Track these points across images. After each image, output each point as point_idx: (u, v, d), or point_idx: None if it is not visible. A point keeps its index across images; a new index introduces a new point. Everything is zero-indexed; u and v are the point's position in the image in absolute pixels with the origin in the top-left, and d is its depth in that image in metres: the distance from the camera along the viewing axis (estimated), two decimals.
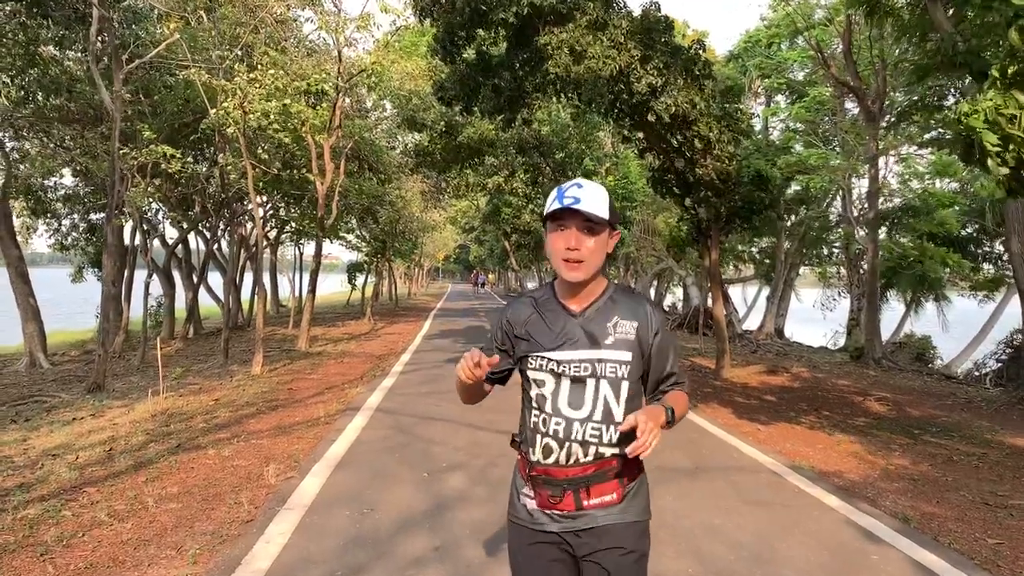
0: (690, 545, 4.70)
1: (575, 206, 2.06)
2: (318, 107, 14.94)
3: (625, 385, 2.16)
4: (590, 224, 2.10)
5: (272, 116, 12.46)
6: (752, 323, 29.11)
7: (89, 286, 24.78)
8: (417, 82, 17.24)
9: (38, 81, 15.34)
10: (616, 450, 2.16)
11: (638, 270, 37.87)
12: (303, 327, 17.55)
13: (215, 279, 27.08)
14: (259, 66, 12.61)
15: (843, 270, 25.31)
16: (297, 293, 30.83)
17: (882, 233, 20.66)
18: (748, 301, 34.33)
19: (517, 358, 2.26)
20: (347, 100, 18.68)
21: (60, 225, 22.84)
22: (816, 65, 21.00)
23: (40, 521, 4.88)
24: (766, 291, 26.83)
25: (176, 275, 24.32)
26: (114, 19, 12.55)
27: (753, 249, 27.43)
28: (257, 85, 12.05)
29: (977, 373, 16.23)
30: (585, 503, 2.17)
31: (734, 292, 29.65)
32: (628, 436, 2.04)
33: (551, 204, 2.11)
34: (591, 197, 2.09)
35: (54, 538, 4.58)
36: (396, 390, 10.89)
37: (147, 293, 19.35)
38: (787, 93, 24.24)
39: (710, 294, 16.06)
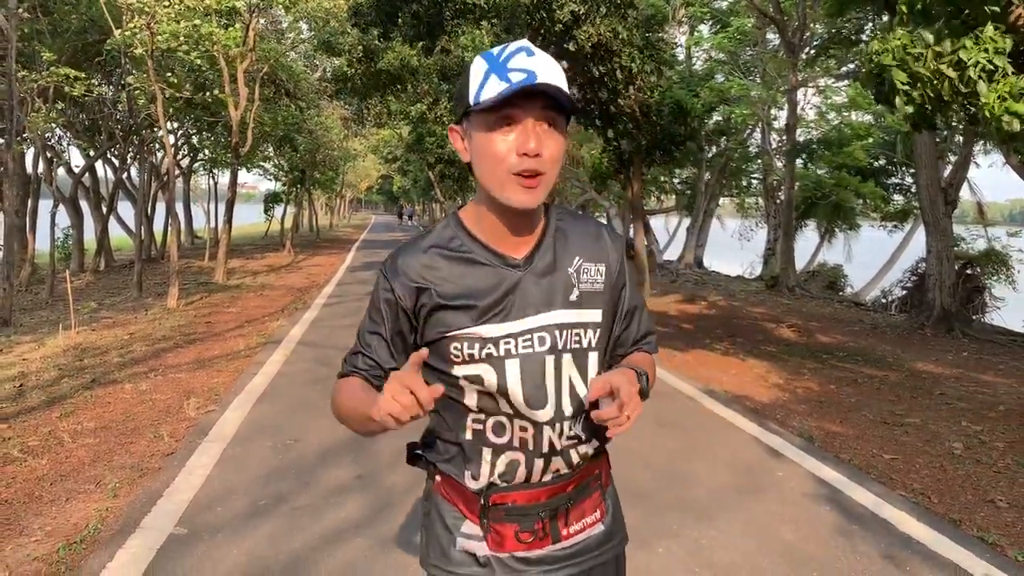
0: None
1: (535, 83, 1.29)
2: (231, 27, 14.29)
3: (593, 357, 1.49)
4: (552, 114, 1.34)
5: (182, 37, 11.87)
6: (673, 254, 29.67)
7: None
8: (336, 3, 16.61)
9: None
10: (596, 444, 1.54)
11: (563, 201, 38.06)
12: (220, 259, 17.11)
13: (126, 209, 26.08)
14: None
15: (761, 201, 25.91)
16: (213, 224, 29.98)
17: (799, 165, 21.16)
18: (669, 231, 34.92)
19: (425, 343, 1.45)
20: (261, 21, 17.91)
21: None
22: None
23: None
24: (687, 222, 27.28)
25: (84, 205, 23.27)
26: None
27: (675, 180, 27.76)
28: (166, 4, 11.44)
29: (884, 300, 16.99)
30: (565, 532, 1.50)
31: (656, 223, 30.05)
32: (597, 424, 1.39)
33: (485, 86, 1.32)
34: (550, 69, 1.33)
35: None
36: (319, 323, 10.80)
37: (53, 224, 18.49)
38: (710, 22, 24.30)
39: (632, 225, 16.28)
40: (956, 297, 11.80)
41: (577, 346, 1.45)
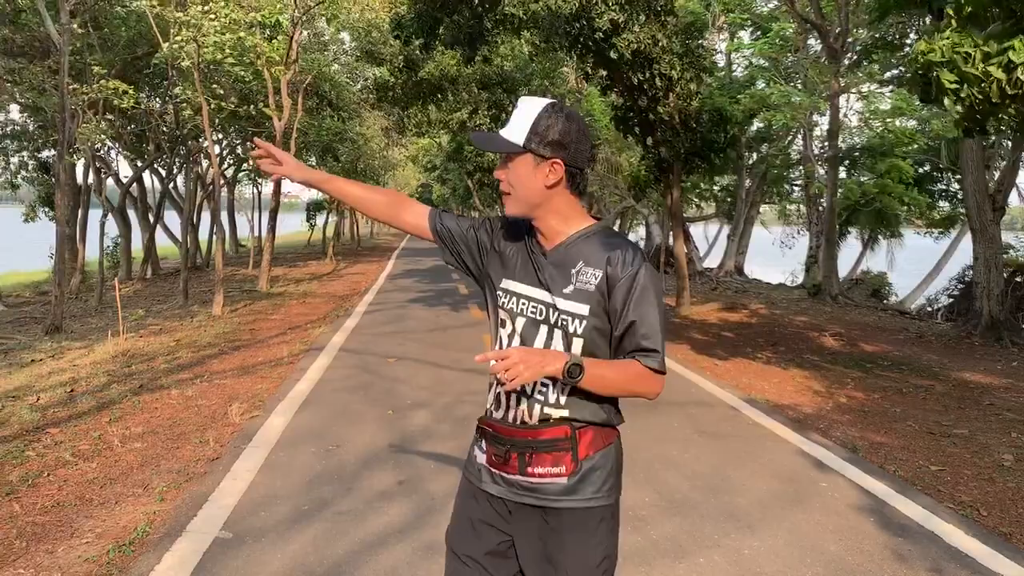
0: (648, 475, 4.85)
1: (476, 142, 1.93)
2: (274, 40, 14.55)
3: (577, 343, 1.82)
4: (504, 154, 1.86)
5: (227, 50, 12.12)
6: (713, 261, 29.42)
7: (41, 225, 24.19)
8: (377, 14, 16.82)
9: None
10: (565, 413, 1.84)
11: (601, 208, 37.95)
12: (263, 267, 17.38)
13: (172, 218, 26.59)
14: None
15: (803, 208, 25.59)
16: (256, 233, 30.44)
17: (842, 172, 20.86)
18: (709, 239, 34.63)
19: (483, 273, 2.02)
20: (304, 33, 18.19)
21: (8, 163, 22.16)
22: (780, 0, 20.89)
23: (3, 462, 4.87)
24: (727, 229, 27.04)
25: (132, 214, 23.83)
26: None
27: (715, 187, 27.55)
28: (212, 17, 11.69)
29: (929, 308, 16.64)
30: (529, 469, 1.86)
31: (695, 230, 29.86)
32: (581, 402, 1.83)
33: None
34: (514, 120, 1.83)
35: (19, 478, 4.58)
36: (360, 330, 10.90)
37: (102, 233, 18.96)
38: (751, 28, 24.10)
39: (671, 232, 16.19)
40: (1005, 305, 11.51)
41: (564, 327, 1.83)
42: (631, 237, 41.97)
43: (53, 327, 11.49)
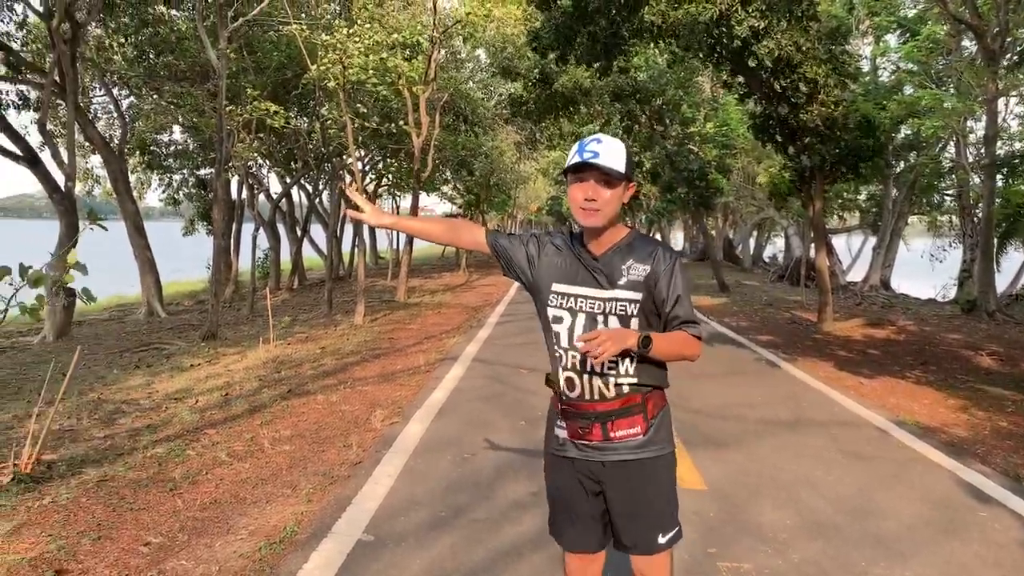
0: (790, 496, 4.67)
1: (594, 160, 2.22)
2: (413, 60, 15.06)
3: (634, 322, 2.30)
4: (607, 177, 2.25)
5: (370, 71, 12.64)
6: (856, 274, 28.09)
7: (197, 239, 25.94)
8: (513, 29, 17.11)
9: (150, 40, 16.01)
10: (635, 380, 2.31)
11: (737, 220, 36.98)
12: (401, 278, 17.96)
13: (317, 232, 27.91)
14: (357, 21, 12.77)
15: (955, 219, 24.05)
16: (394, 245, 31.46)
17: (999, 180, 19.45)
18: (852, 251, 33.09)
19: (533, 283, 2.45)
20: (442, 52, 18.73)
21: (171, 180, 23.91)
22: (930, 1, 19.76)
23: (167, 460, 5.25)
24: (872, 241, 25.77)
25: (280, 228, 25.19)
26: None
27: (859, 197, 26.35)
28: (356, 40, 12.23)
29: None
30: (612, 434, 2.34)
31: (838, 242, 28.65)
32: (647, 368, 2.31)
33: (572, 158, 2.27)
34: (609, 152, 2.24)
35: (181, 475, 4.92)
36: (492, 340, 11.08)
37: (254, 245, 20.12)
38: (897, 32, 22.93)
39: (812, 244, 15.57)
40: None
41: (623, 312, 2.29)
42: (767, 249, 40.80)
43: (209, 334, 12.28)
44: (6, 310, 6.65)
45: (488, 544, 3.90)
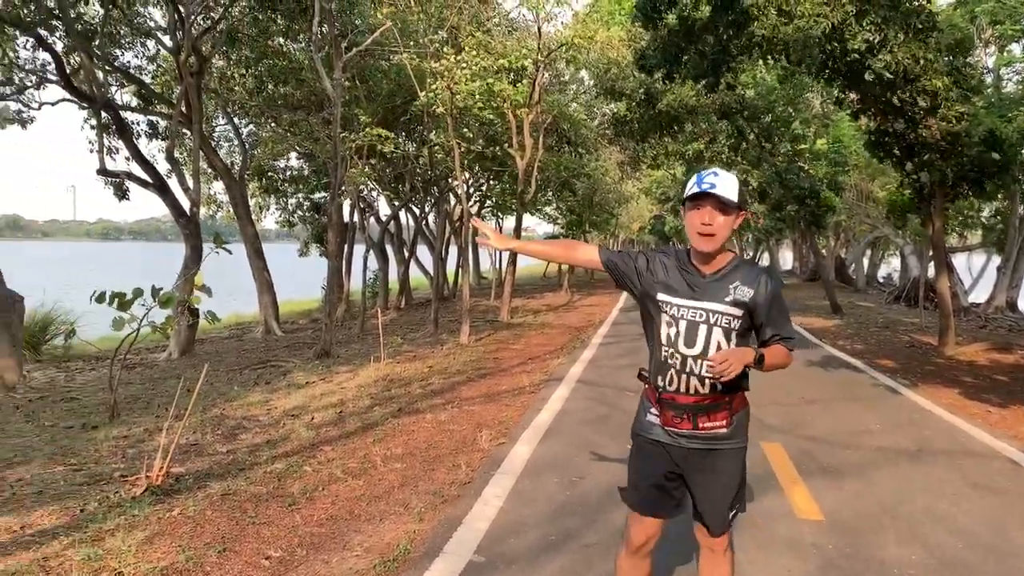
0: (914, 531, 4.46)
1: (711, 190, 2.55)
2: (518, 84, 15.25)
3: (734, 335, 2.66)
4: (723, 205, 2.57)
5: (477, 96, 12.89)
6: (979, 295, 26.58)
7: (311, 261, 26.90)
8: (617, 51, 17.12)
9: (269, 71, 16.83)
10: (723, 385, 2.65)
11: (849, 239, 35.66)
12: (504, 299, 18.13)
13: (422, 253, 28.51)
14: (465, 48, 13.06)
15: None
16: (497, 266, 31.77)
17: None
18: (974, 271, 31.35)
19: (642, 292, 2.80)
20: (546, 75, 18.90)
21: (287, 204, 24.96)
22: None
23: (286, 475, 5.45)
24: (996, 260, 24.33)
25: (388, 249, 25.86)
26: (332, 9, 13.42)
27: (983, 214, 24.97)
28: (463, 66, 12.50)
29: None
30: (701, 426, 2.71)
31: (958, 261, 27.12)
32: (732, 381, 2.58)
33: (691, 188, 2.61)
34: (724, 183, 2.57)
35: (299, 491, 5.10)
36: (596, 362, 11.03)
37: (365, 266, 20.73)
38: (1023, 41, 21.71)
39: (931, 264, 14.84)
40: None
41: (726, 325, 2.64)
42: (882, 269, 39.16)
43: (323, 352, 12.70)
44: (138, 329, 7.10)
45: (599, 570, 3.87)
